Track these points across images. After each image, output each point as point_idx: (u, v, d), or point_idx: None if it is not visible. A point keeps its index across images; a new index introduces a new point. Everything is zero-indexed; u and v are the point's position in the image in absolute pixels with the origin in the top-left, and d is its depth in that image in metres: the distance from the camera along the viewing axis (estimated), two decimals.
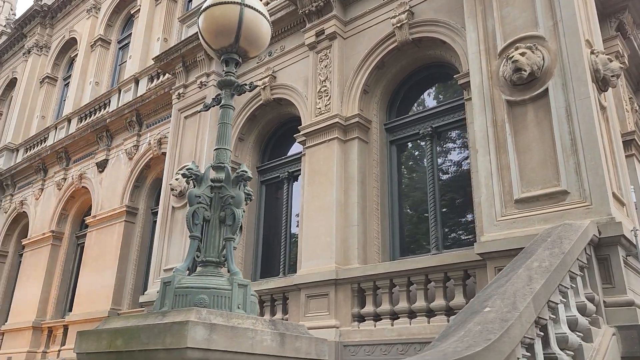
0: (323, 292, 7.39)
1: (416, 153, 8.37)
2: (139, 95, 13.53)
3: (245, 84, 3.86)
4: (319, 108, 8.60)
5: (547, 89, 5.91)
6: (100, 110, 15.21)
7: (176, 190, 9.87)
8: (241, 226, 3.49)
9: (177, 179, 9.94)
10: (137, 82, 14.22)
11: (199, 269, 3.41)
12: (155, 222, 12.57)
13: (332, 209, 7.76)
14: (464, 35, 7.27)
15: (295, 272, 8.11)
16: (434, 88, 8.48)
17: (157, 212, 12.49)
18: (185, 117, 10.73)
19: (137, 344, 2.78)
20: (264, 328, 3.00)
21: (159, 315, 2.89)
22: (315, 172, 8.20)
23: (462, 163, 7.71)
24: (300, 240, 8.10)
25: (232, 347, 2.76)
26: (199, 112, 4.74)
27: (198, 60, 10.75)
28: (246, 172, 3.49)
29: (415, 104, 8.55)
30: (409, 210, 8.11)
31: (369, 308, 7.04)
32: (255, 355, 2.87)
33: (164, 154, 12.22)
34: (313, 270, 7.59)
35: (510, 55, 6.10)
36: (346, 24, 8.92)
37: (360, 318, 7.10)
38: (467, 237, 7.30)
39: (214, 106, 4.02)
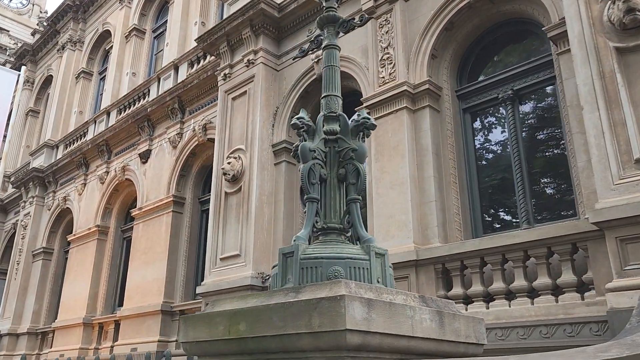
0: (402, 274, 6.73)
1: (494, 120, 7.62)
2: (179, 81, 13.05)
3: (354, 18, 3.21)
4: (383, 77, 7.92)
5: None
6: (139, 101, 14.82)
7: (229, 174, 9.34)
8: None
9: (229, 163, 9.41)
10: (176, 69, 13.75)
11: (319, 238, 2.80)
12: (203, 211, 12.18)
13: (407, 184, 7.09)
14: None
15: None
16: (511, 47, 7.69)
17: (205, 200, 12.11)
18: (233, 99, 10.18)
19: (268, 327, 2.18)
20: (419, 305, 2.37)
21: (289, 292, 2.28)
22: (384, 146, 7.53)
23: (553, 126, 6.93)
24: (371, 220, 7.45)
25: (392, 328, 2.13)
26: (295, 59, 4.21)
27: (244, 37, 10.17)
28: (369, 119, 2.85)
29: (490, 67, 7.79)
30: (490, 184, 7.37)
31: (457, 290, 6.36)
32: (415, 340, 2.24)
33: (210, 139, 11.75)
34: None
35: None
36: None
37: None
38: (563, 209, 6.54)
39: (313, 50, 3.40)
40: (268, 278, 8.41)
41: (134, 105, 14.91)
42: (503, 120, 7.36)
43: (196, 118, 12.37)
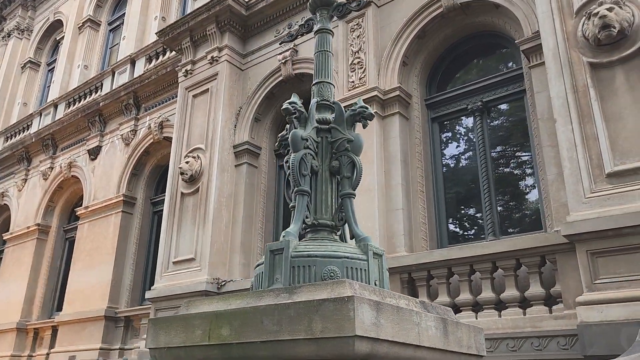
0: None
1: (462, 130, 7.60)
2: (136, 76, 12.47)
3: (350, 2, 2.99)
4: (352, 81, 7.77)
5: (639, 48, 5.19)
6: (91, 94, 14.07)
7: (186, 174, 8.91)
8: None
9: (187, 162, 8.99)
10: (133, 64, 13.15)
11: (307, 235, 2.54)
12: (155, 212, 11.63)
13: (374, 191, 6.93)
14: None
15: None
16: (481, 59, 7.72)
17: (157, 202, 11.58)
18: (194, 96, 9.78)
19: (258, 332, 1.90)
20: (423, 311, 2.15)
21: (281, 292, 2.01)
22: None
23: (521, 139, 6.96)
24: None
25: (400, 336, 1.90)
26: (282, 43, 3.87)
27: (208, 34, 9.80)
28: (367, 108, 2.63)
29: (460, 78, 7.78)
30: (456, 194, 7.32)
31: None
32: (421, 350, 2.02)
33: (167, 138, 11.25)
34: None
35: (595, 11, 5.37)
36: None
37: None
38: (529, 222, 6.55)
39: (302, 34, 3.16)
40: (224, 284, 8.03)
41: (85, 99, 14.15)
42: (471, 131, 7.35)
43: (152, 115, 11.83)
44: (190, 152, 9.22)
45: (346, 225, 2.62)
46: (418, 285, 6.33)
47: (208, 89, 9.54)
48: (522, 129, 6.91)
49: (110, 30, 16.26)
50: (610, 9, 5.28)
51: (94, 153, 12.89)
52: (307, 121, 2.63)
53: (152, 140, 11.56)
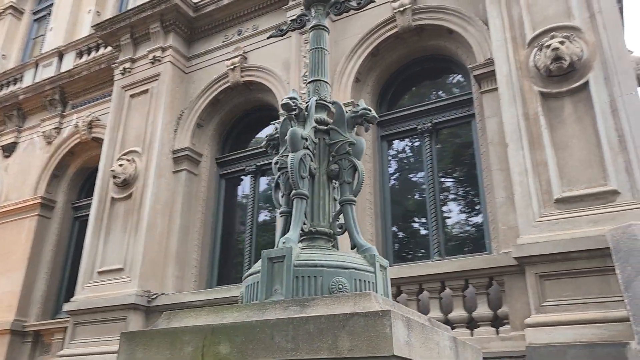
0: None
1: (409, 150, 7.67)
2: (64, 70, 11.61)
3: (349, 1, 2.85)
4: (304, 93, 7.62)
5: (587, 82, 5.48)
6: (8, 86, 12.92)
7: (119, 177, 8.32)
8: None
9: (121, 165, 8.40)
10: (61, 57, 12.25)
11: (302, 243, 2.33)
12: (76, 218, 10.81)
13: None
14: (477, 25, 6.78)
15: None
16: (433, 81, 7.87)
17: (80, 206, 10.78)
18: (132, 96, 9.22)
19: (269, 350, 1.67)
20: (438, 329, 2.01)
21: (291, 304, 1.80)
22: None
23: (468, 162, 7.12)
24: None
25: (426, 356, 1.74)
26: (270, 37, 3.58)
27: (151, 32, 9.32)
28: (370, 110, 2.49)
29: (411, 98, 7.89)
30: (403, 213, 7.35)
31: None
32: None
33: (96, 139, 10.52)
34: None
35: (548, 44, 5.63)
36: None
37: None
38: (475, 243, 6.67)
39: (293, 30, 2.97)
40: (156, 297, 7.51)
41: (1, 90, 12.97)
42: (419, 151, 7.43)
43: (81, 113, 11.03)
44: (124, 154, 8.64)
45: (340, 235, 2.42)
46: None
47: (148, 89, 9.03)
48: (470, 151, 7.07)
49: (34, 20, 15.12)
50: (561, 42, 5.55)
51: (8, 150, 11.79)
52: (305, 120, 2.43)
53: (78, 140, 10.75)
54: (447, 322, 5.74)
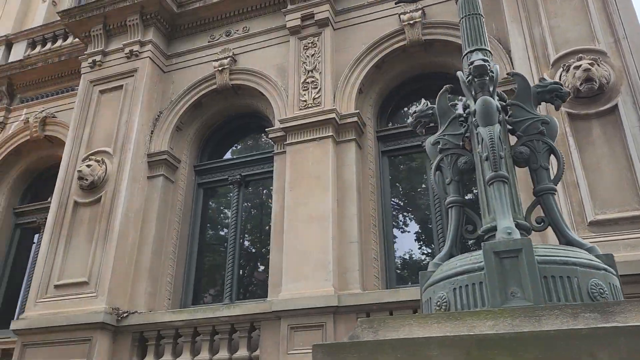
0: (315, 322, 5.80)
1: (412, 167, 7.39)
2: (12, 60, 10.44)
3: None
4: (304, 100, 7.20)
5: (616, 105, 5.46)
6: None
7: (86, 179, 7.39)
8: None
9: (89, 166, 7.48)
10: (9, 47, 11.01)
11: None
12: (18, 225, 9.61)
13: (328, 220, 6.31)
14: (492, 42, 6.68)
15: (264, 297, 6.37)
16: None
17: (22, 212, 9.60)
18: (102, 92, 8.33)
19: None
20: None
21: (584, 311, 1.33)
22: (303, 175, 6.69)
23: None
24: (278, 255, 6.43)
25: None
26: (398, 3, 3.02)
27: (129, 24, 8.54)
28: (562, 85, 2.10)
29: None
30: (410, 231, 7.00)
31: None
32: None
33: (49, 137, 9.48)
34: (301, 294, 5.96)
35: (577, 64, 5.59)
36: (337, 13, 7.79)
37: None
38: None
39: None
40: (126, 315, 6.62)
41: None
42: (423, 169, 7.16)
43: (32, 108, 9.88)
44: (92, 154, 7.72)
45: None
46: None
47: (122, 85, 8.21)
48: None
49: None
50: (591, 64, 5.52)
51: None
52: (493, 91, 2.00)
53: (28, 138, 9.59)
54: None
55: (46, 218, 8.78)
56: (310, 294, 5.92)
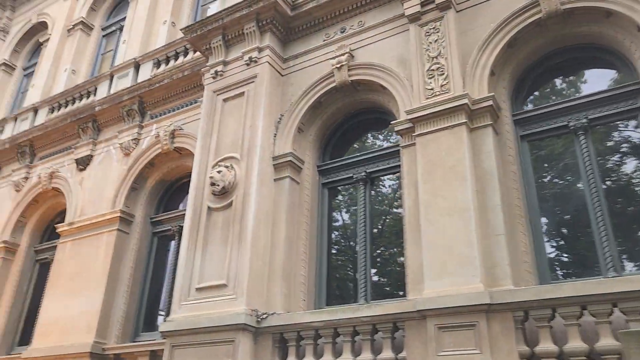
0: (466, 321, 5.37)
1: (559, 151, 6.72)
2: (141, 80, 11.14)
3: None
4: (431, 89, 6.81)
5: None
6: (81, 100, 12.55)
7: (218, 185, 7.57)
8: None
9: (219, 172, 7.66)
10: (137, 68, 11.80)
11: None
12: (155, 233, 10.17)
13: (469, 211, 5.87)
14: None
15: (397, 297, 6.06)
16: (583, 73, 6.95)
17: (158, 221, 10.12)
18: (225, 100, 8.55)
19: None
20: None
21: None
22: (436, 166, 6.31)
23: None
24: (417, 252, 6.10)
25: None
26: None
27: (246, 33, 8.71)
28: None
29: (555, 92, 6.99)
30: (558, 220, 6.36)
31: (545, 346, 5.07)
32: None
33: (179, 149, 9.94)
34: (447, 292, 5.57)
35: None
36: None
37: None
38: None
39: None
40: (266, 317, 6.64)
41: (74, 103, 12.60)
42: (572, 153, 6.46)
43: (161, 123, 10.46)
44: (221, 160, 7.92)
45: None
46: (540, 327, 5.19)
47: (244, 92, 8.36)
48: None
49: (103, 36, 14.91)
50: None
51: (83, 163, 11.29)
52: None
53: (159, 151, 10.14)
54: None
55: (179, 225, 9.28)
56: (456, 291, 5.52)
